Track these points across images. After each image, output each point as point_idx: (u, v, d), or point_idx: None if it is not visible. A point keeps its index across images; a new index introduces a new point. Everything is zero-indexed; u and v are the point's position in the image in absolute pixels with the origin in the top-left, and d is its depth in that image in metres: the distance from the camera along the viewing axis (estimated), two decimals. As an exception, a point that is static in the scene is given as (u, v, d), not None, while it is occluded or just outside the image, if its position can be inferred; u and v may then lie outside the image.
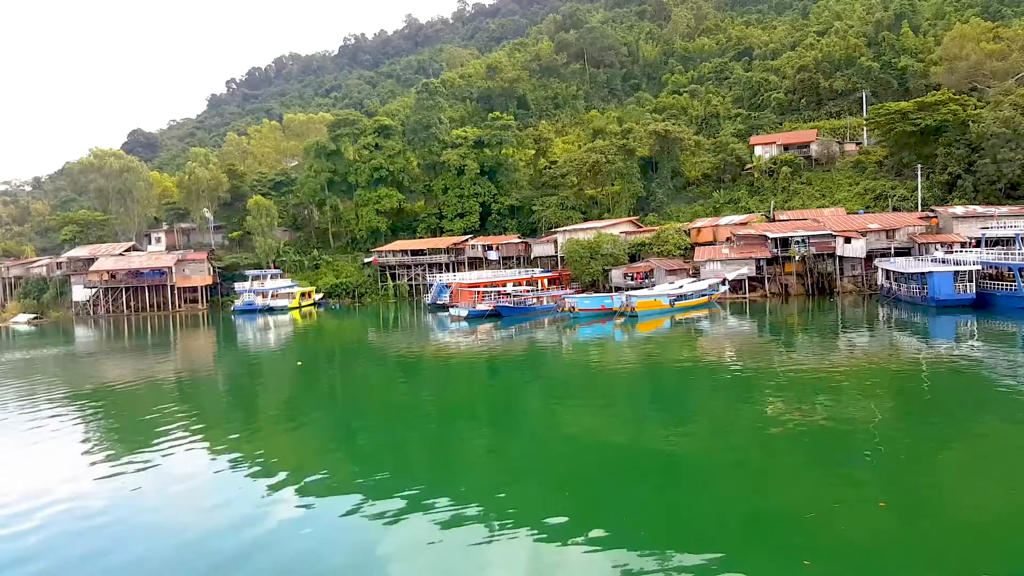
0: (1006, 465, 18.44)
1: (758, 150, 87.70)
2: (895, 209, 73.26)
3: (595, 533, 15.11)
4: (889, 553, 13.57)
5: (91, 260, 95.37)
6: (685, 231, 76.04)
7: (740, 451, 20.77)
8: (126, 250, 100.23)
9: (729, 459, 20.15)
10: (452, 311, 65.50)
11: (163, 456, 22.40)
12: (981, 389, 27.11)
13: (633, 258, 75.72)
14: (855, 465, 18.58)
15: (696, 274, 68.80)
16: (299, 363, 45.64)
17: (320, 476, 19.95)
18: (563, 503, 17.14)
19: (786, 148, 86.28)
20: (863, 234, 65.30)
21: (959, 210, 64.76)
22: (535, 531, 15.39)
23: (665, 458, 20.58)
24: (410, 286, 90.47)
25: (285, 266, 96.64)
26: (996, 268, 51.98)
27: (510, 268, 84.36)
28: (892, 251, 64.76)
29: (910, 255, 62.55)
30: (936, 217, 66.62)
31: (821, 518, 15.35)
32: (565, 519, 15.98)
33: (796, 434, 21.69)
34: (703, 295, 61.83)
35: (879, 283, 63.51)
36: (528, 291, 69.89)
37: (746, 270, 66.84)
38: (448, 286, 75.98)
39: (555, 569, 13.73)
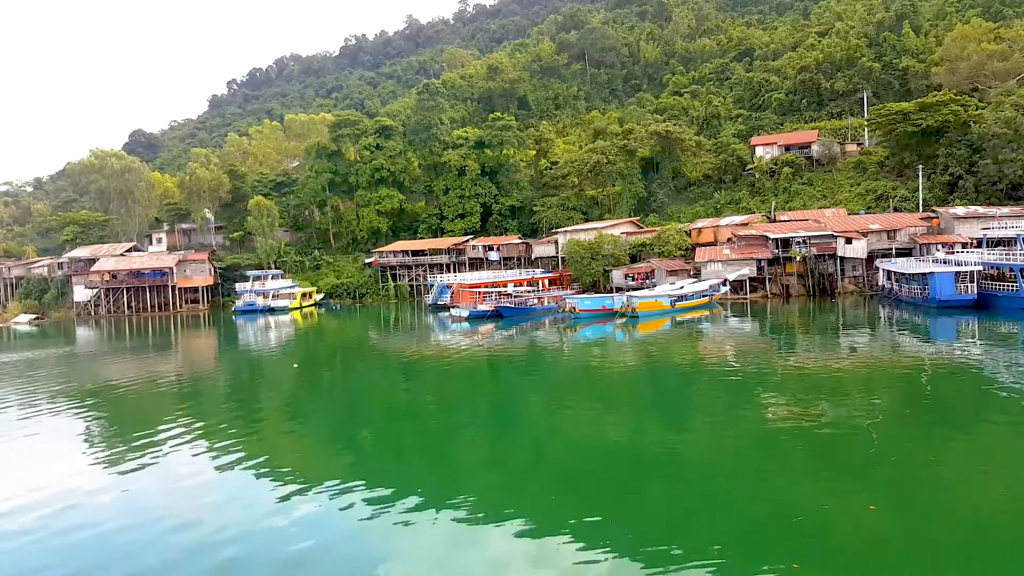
0: (1002, 467, 18.37)
1: (759, 151, 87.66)
2: (896, 210, 73.19)
3: (591, 532, 15.13)
4: (878, 557, 13.53)
5: (92, 260, 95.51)
6: (686, 232, 76.04)
7: (736, 453, 20.74)
8: (127, 250, 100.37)
9: (725, 461, 20.12)
10: (453, 312, 65.54)
11: (162, 456, 22.42)
12: (981, 390, 27.02)
13: (634, 259, 75.72)
14: (849, 467, 18.58)
15: (697, 275, 68.76)
16: (295, 365, 45.51)
17: (320, 476, 19.91)
18: (561, 503, 17.14)
19: (787, 149, 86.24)
20: (864, 235, 65.23)
21: (960, 211, 64.68)
22: (534, 530, 15.41)
23: (662, 460, 20.58)
24: (411, 287, 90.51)
25: (286, 266, 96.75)
26: (997, 269, 51.91)
27: (511, 269, 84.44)
28: (893, 252, 64.76)
29: (911, 256, 62.48)
30: (937, 218, 66.54)
31: (812, 521, 15.33)
32: (563, 519, 15.97)
33: (793, 436, 21.67)
34: (704, 296, 61.79)
35: (880, 284, 63.44)
36: (529, 292, 69.88)
37: (747, 271, 66.81)
38: (449, 287, 76.07)
39: (553, 568, 13.71)
